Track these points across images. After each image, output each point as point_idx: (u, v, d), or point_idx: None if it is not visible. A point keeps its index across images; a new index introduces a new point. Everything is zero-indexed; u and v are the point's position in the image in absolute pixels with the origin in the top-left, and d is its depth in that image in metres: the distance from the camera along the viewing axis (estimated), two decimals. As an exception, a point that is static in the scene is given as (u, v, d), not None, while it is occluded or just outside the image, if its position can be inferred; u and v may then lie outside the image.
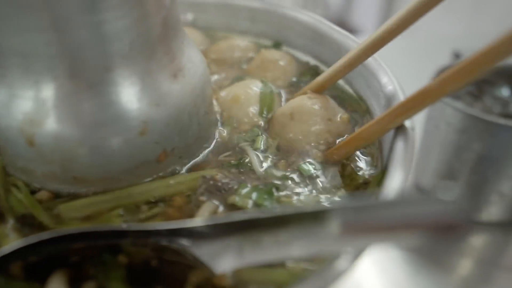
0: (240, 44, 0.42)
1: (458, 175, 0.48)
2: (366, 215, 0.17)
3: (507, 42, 0.19)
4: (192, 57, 0.27)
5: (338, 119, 0.30)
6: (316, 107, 0.30)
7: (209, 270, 0.19)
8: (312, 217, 0.17)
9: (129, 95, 0.23)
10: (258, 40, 0.43)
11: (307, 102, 0.30)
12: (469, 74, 0.20)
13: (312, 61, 0.39)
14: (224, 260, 0.19)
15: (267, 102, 0.32)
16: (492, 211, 0.49)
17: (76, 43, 0.21)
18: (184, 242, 0.20)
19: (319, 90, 0.32)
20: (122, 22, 0.21)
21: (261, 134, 0.30)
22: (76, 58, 0.21)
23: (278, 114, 0.31)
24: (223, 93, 0.34)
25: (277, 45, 0.42)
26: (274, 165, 0.28)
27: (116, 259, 0.21)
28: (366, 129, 0.26)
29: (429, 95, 0.22)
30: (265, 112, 0.32)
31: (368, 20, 1.77)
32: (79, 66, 0.22)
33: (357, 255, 0.18)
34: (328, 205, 0.17)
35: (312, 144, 0.29)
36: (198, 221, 0.20)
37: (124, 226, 0.22)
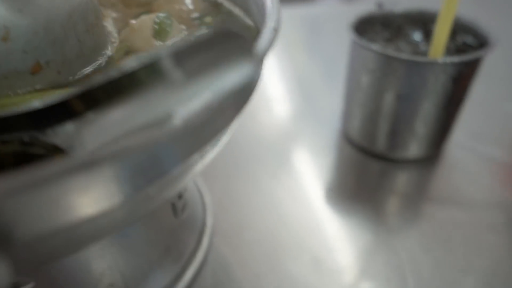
0: (147, -15, 0.41)
1: (376, 118, 0.50)
2: (205, 52, 0.16)
3: None
4: (66, -30, 0.26)
5: None
6: None
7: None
8: (151, 69, 0.16)
9: (-17, -4, 0.22)
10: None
11: None
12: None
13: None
14: (83, 139, 0.19)
15: (163, 29, 0.32)
16: (409, 150, 0.51)
17: None
18: (34, 133, 0.19)
19: None
20: None
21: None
22: None
23: None
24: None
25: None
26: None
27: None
28: None
29: None
30: (162, 38, 0.32)
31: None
32: None
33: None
34: (162, 50, 0.16)
35: None
36: (37, 103, 0.19)
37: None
